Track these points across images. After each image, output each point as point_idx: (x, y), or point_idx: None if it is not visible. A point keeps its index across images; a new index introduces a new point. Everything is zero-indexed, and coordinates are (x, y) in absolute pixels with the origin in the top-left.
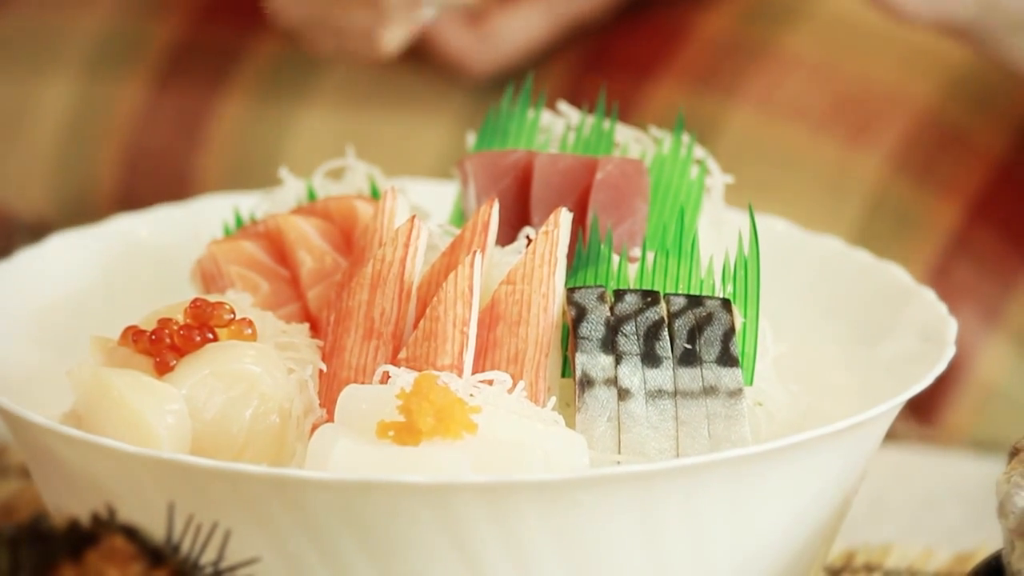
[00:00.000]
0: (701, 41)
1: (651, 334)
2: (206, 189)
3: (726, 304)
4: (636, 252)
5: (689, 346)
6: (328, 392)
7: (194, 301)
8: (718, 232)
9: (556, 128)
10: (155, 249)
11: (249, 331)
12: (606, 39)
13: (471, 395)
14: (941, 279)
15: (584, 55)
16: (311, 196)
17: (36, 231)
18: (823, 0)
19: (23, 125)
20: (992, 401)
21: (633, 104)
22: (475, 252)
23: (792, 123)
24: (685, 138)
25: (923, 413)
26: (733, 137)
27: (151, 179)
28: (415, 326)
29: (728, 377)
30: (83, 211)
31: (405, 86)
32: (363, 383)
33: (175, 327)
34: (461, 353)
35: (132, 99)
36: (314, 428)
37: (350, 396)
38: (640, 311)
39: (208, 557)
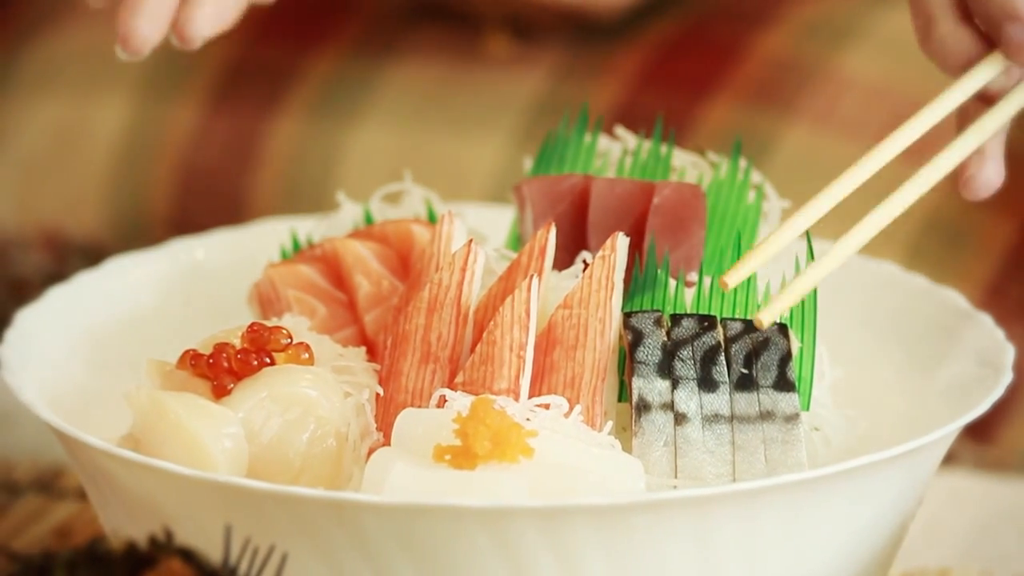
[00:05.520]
0: (758, 59)
1: (708, 359)
2: (260, 209)
3: (783, 329)
4: (693, 277)
5: (746, 371)
6: (385, 416)
7: (251, 326)
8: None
9: (613, 153)
10: (212, 272)
11: (306, 355)
12: (662, 56)
13: (528, 419)
14: (996, 297)
15: (640, 73)
16: (368, 220)
17: (90, 253)
18: (879, 20)
19: (77, 147)
20: None
21: (689, 121)
22: (532, 276)
23: (848, 141)
24: (742, 163)
25: (980, 433)
26: (788, 155)
27: (205, 200)
28: (472, 350)
29: (785, 402)
30: (137, 233)
31: (458, 104)
32: (420, 407)
33: (232, 351)
34: (518, 377)
35: (186, 120)
36: (371, 452)
37: (407, 420)
38: (697, 336)
39: None
